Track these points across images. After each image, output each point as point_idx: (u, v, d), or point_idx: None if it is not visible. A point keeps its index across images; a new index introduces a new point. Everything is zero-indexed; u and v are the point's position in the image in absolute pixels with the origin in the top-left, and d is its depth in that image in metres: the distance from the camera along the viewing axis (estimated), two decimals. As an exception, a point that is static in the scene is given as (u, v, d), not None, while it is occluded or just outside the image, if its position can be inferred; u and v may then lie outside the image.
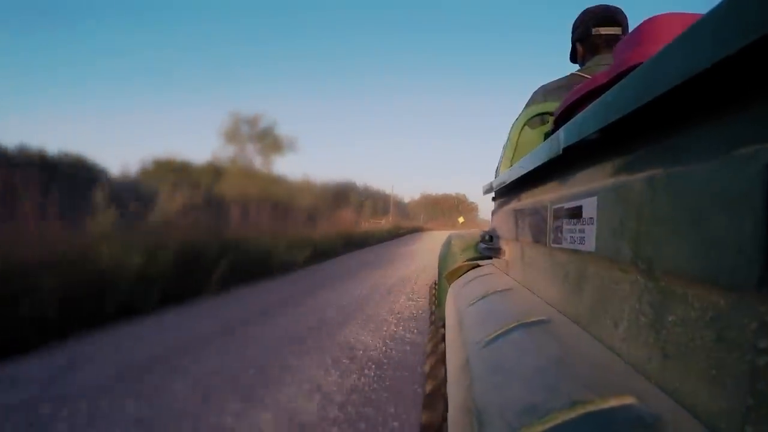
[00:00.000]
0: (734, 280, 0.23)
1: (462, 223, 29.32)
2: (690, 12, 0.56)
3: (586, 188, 0.46)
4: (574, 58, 1.46)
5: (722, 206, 0.24)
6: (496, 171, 1.54)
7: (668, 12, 0.58)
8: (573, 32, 1.42)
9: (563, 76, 1.40)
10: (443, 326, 1.37)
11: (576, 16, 1.42)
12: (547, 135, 1.29)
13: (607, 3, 1.37)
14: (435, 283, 2.37)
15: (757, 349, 0.22)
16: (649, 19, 0.60)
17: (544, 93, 1.39)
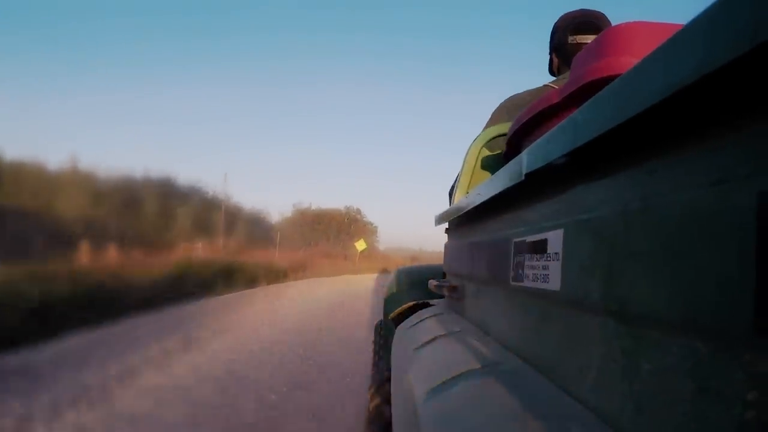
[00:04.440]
0: (718, 324, 0.22)
1: (362, 251, 19.11)
2: (661, 21, 0.54)
3: (552, 219, 0.46)
4: (553, 70, 1.40)
5: (706, 240, 0.23)
6: (450, 199, 1.50)
7: (634, 20, 0.57)
8: (550, 40, 1.37)
9: (534, 87, 1.33)
10: (388, 371, 1.33)
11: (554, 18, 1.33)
12: (495, 159, 1.26)
13: (587, 7, 1.30)
14: (380, 324, 2.33)
15: (745, 402, 0.21)
16: (613, 28, 0.60)
17: (509, 109, 1.33)
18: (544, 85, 1.30)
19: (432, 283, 1.27)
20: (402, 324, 1.20)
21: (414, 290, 1.77)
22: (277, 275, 11.97)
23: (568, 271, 0.40)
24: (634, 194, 0.32)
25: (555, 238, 0.43)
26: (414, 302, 1.35)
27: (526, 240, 0.51)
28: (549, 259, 0.44)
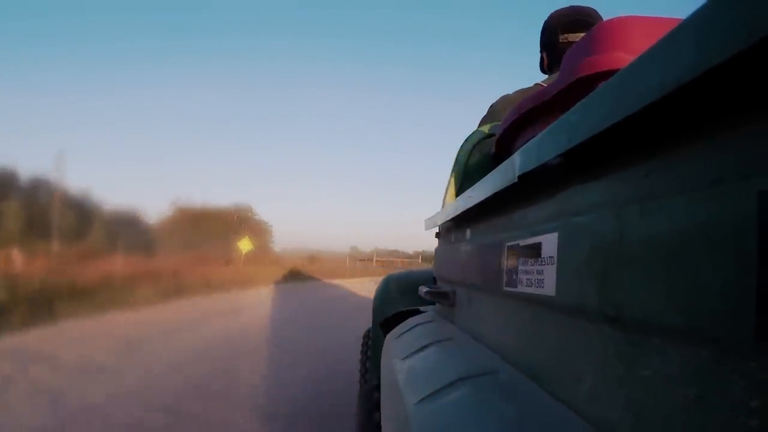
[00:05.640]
0: (718, 329, 0.22)
1: (248, 253, 15.90)
2: (652, 15, 0.54)
3: (546, 222, 0.46)
4: (544, 68, 1.38)
5: (705, 242, 0.23)
6: (443, 202, 1.50)
7: (627, 15, 0.56)
8: (541, 38, 1.35)
9: (526, 87, 1.32)
10: (377, 380, 1.32)
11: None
12: (484, 160, 1.25)
13: (579, 3, 1.27)
14: (368, 332, 2.31)
15: (748, 410, 0.21)
16: (604, 22, 0.59)
17: (502, 110, 1.32)
18: (535, 84, 1.29)
19: (422, 289, 1.26)
20: (392, 332, 1.19)
21: (404, 297, 1.76)
22: None
23: (564, 275, 0.40)
24: (631, 196, 0.31)
25: (549, 242, 0.43)
26: (404, 309, 1.34)
27: (520, 244, 0.51)
28: (543, 263, 0.44)
